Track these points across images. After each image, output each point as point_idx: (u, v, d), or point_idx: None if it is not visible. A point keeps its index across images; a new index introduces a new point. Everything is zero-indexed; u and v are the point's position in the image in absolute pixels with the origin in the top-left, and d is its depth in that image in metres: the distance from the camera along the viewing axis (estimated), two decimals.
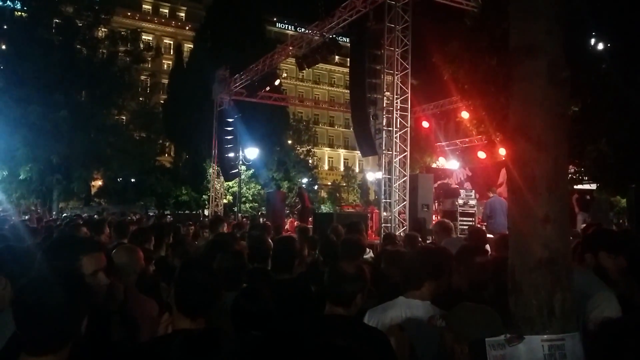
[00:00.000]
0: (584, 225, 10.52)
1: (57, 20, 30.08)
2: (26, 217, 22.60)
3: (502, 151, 15.67)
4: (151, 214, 31.18)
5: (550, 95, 2.26)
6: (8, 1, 29.43)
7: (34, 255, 2.88)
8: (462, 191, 15.12)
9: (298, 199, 20.80)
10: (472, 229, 8.37)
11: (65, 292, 1.65)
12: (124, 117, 34.33)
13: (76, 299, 1.69)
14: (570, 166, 11.17)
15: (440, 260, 3.12)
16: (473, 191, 15.14)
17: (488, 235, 7.21)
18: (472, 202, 14.53)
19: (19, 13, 30.02)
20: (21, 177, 28.80)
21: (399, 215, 12.66)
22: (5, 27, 29.53)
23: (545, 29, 2.29)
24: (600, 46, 9.69)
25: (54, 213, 27.95)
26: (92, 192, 38.62)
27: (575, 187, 12.91)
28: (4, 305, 2.26)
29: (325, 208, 45.07)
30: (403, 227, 12.53)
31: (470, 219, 14.15)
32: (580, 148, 10.01)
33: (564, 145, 2.34)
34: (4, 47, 29.98)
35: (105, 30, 32.43)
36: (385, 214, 12.75)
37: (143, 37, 36.02)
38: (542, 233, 2.24)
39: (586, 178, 12.84)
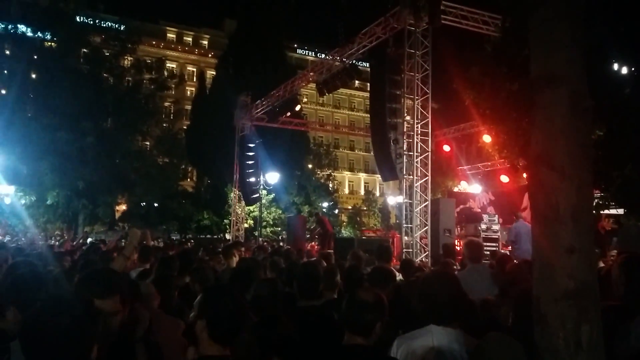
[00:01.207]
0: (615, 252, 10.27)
1: (85, 50, 30.88)
2: (52, 241, 22.96)
3: (526, 175, 15.50)
4: (174, 237, 31.43)
5: (572, 124, 2.25)
6: (39, 32, 30.27)
7: (46, 282, 2.93)
8: (484, 216, 14.97)
9: (317, 224, 20.75)
10: (499, 255, 8.21)
11: (71, 321, 1.64)
12: (147, 143, 34.86)
13: (82, 328, 1.68)
14: (596, 191, 10.98)
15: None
16: (496, 216, 14.97)
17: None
18: (496, 227, 14.37)
19: (49, 43, 30.90)
20: (48, 202, 29.32)
21: (420, 240, 12.55)
22: (35, 57, 30.41)
23: (567, 57, 2.28)
24: (624, 70, 9.59)
25: (80, 239, 28.30)
26: (117, 217, 39.07)
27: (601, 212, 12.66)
28: (14, 334, 2.30)
29: (345, 232, 44.88)
30: (425, 252, 12.41)
31: (494, 244, 13.98)
32: (606, 173, 9.84)
33: (588, 174, 2.31)
34: (34, 76, 30.83)
35: (131, 59, 33.15)
36: (406, 238, 12.65)
37: (167, 65, 36.81)
38: (567, 263, 2.21)
39: (612, 203, 12.59)
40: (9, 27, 30.47)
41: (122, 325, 2.44)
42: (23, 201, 30.70)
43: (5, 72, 31.46)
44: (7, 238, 27.05)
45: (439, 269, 5.35)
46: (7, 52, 35.73)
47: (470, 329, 2.84)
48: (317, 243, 21.07)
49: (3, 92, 31.93)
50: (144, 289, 3.25)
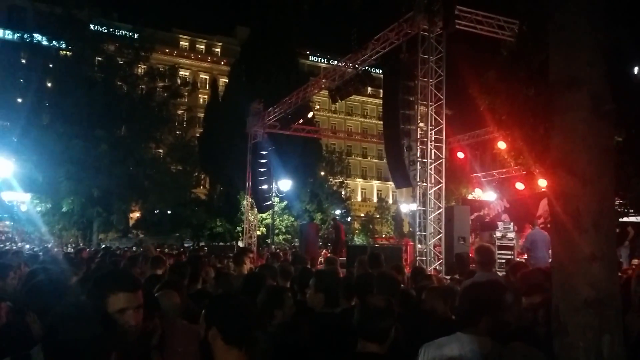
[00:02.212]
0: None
1: (100, 58, 31.26)
2: (68, 248, 23.13)
3: (542, 182, 15.32)
4: (187, 245, 31.56)
5: (594, 128, 2.20)
6: (54, 41, 30.68)
7: (63, 289, 2.93)
8: (499, 223, 14.81)
9: (333, 230, 20.72)
10: (512, 263, 8.08)
11: (93, 327, 1.65)
12: (161, 151, 35.11)
13: (104, 335, 1.68)
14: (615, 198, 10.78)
15: (498, 295, 3.03)
16: (511, 223, 14.80)
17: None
18: (511, 235, 14.19)
19: (64, 52, 31.31)
20: (63, 210, 29.60)
21: (434, 248, 12.44)
22: (50, 65, 30.82)
23: (587, 60, 2.23)
24: None
25: (97, 245, 28.55)
26: (130, 224, 39.35)
27: (619, 220, 12.47)
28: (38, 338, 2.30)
29: (358, 240, 44.74)
30: (439, 260, 12.30)
31: (509, 252, 13.81)
32: (625, 180, 9.68)
33: (610, 180, 2.25)
34: (49, 84, 31.24)
35: (145, 66, 33.47)
36: (420, 246, 12.54)
37: (180, 72, 37.12)
38: (588, 272, 2.15)
39: (632, 211, 12.38)
40: (25, 36, 30.93)
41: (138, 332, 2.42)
42: (39, 208, 31.06)
43: (22, 80, 31.91)
44: (25, 245, 27.36)
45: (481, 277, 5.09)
46: (23, 61, 36.29)
47: (498, 336, 2.79)
48: (329, 250, 21.05)
49: (19, 100, 32.39)
50: (167, 301, 3.26)
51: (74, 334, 1.61)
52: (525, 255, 11.78)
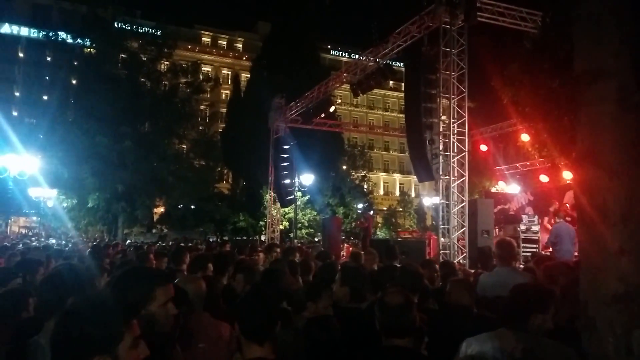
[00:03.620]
0: None
1: (123, 56, 31.62)
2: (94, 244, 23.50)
3: (567, 175, 15.09)
4: (211, 239, 31.87)
5: (620, 120, 2.16)
6: (78, 39, 31.09)
7: (82, 283, 2.98)
8: (524, 216, 14.64)
9: (366, 223, 20.74)
10: (538, 256, 7.99)
11: (106, 316, 1.65)
12: (184, 146, 35.39)
13: (117, 321, 1.68)
14: None
15: (547, 295, 3.02)
16: (536, 216, 14.61)
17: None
18: (535, 228, 14.02)
19: (88, 50, 31.74)
20: (89, 205, 30.09)
21: (457, 242, 12.36)
22: (75, 63, 31.29)
23: (613, 52, 2.19)
24: None
25: (123, 240, 29.02)
26: (154, 219, 39.83)
27: None
28: None
29: (380, 234, 44.63)
30: (462, 253, 12.22)
31: (534, 245, 13.65)
32: None
33: (638, 172, 2.22)
34: (74, 82, 31.71)
35: (167, 63, 33.73)
36: (443, 240, 12.48)
37: (202, 68, 37.31)
38: (616, 266, 2.12)
39: None
40: (50, 34, 31.43)
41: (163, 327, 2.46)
42: (65, 204, 31.63)
43: (47, 78, 32.46)
44: (51, 240, 27.95)
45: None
46: (49, 59, 36.92)
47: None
48: (351, 244, 21.07)
49: (45, 98, 32.99)
50: (195, 288, 3.31)
51: (85, 328, 1.60)
52: (551, 249, 11.61)
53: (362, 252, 7.47)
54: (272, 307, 2.51)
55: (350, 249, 17.76)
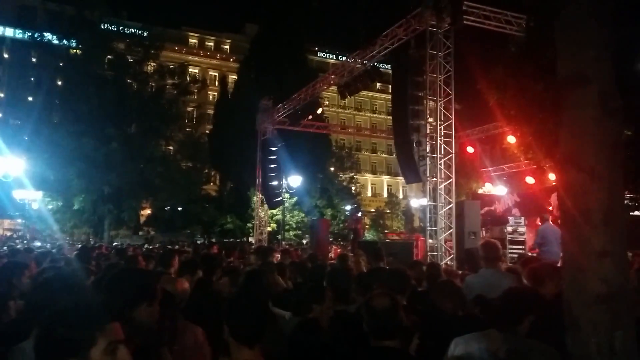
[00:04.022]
0: None
1: (110, 57, 31.42)
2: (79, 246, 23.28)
3: (552, 176, 15.25)
4: (198, 242, 31.75)
5: (602, 124, 2.20)
6: (64, 40, 30.84)
7: (71, 287, 2.96)
8: (510, 218, 14.75)
9: (355, 225, 20.79)
10: (524, 258, 8.04)
11: (76, 319, 1.64)
12: (171, 148, 35.26)
13: (87, 324, 1.65)
14: (625, 192, 10.74)
15: (539, 298, 3.06)
16: (522, 218, 14.73)
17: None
18: (522, 229, 14.14)
19: (74, 51, 31.49)
20: (75, 207, 29.85)
21: (445, 244, 12.43)
22: (61, 64, 31.02)
23: (595, 57, 2.24)
24: None
25: (109, 242, 28.80)
26: (141, 221, 39.58)
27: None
28: None
29: (368, 235, 44.71)
30: (450, 255, 12.29)
31: (520, 246, 13.77)
32: (635, 174, 9.63)
33: (619, 175, 2.26)
34: (60, 83, 31.44)
35: (154, 64, 33.58)
36: (431, 241, 12.55)
37: (189, 70, 37.20)
38: (599, 267, 2.16)
39: None
40: (36, 35, 31.14)
41: (149, 329, 2.46)
42: (50, 206, 31.32)
43: (32, 79, 32.10)
44: (36, 243, 27.63)
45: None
46: (34, 60, 36.51)
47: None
48: (339, 246, 21.09)
49: (30, 99, 32.61)
50: (178, 290, 3.31)
51: (55, 331, 1.59)
52: (537, 250, 11.72)
53: (351, 254, 7.50)
54: (263, 310, 2.53)
55: (338, 250, 17.77)
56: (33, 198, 31.27)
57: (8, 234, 46.87)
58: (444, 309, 3.83)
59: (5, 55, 59.36)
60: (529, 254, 12.36)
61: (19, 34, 50.82)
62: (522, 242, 14.01)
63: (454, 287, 4.25)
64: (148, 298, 2.36)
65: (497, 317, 3.00)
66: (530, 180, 19.80)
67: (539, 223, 11.90)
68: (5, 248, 15.71)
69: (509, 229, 14.18)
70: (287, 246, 22.40)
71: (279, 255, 8.93)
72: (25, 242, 29.59)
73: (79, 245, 21.93)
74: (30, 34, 31.59)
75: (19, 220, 42.15)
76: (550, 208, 13.41)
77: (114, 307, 1.84)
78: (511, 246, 13.61)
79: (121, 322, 1.72)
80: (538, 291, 3.28)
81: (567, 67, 2.33)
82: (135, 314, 2.21)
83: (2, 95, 58.81)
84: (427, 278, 5.80)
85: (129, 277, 2.51)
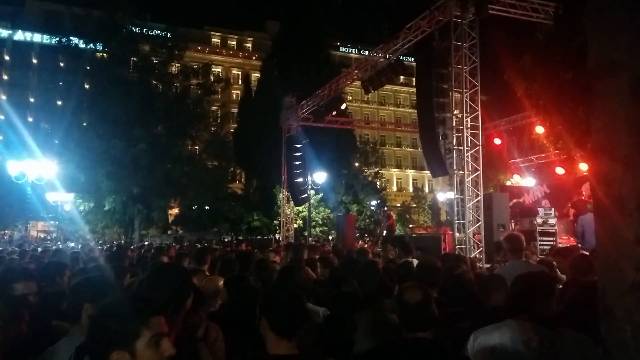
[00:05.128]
0: None
1: (135, 59, 31.85)
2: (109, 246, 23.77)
3: (583, 166, 14.97)
4: (226, 239, 32.06)
5: (635, 111, 2.18)
6: (91, 44, 31.38)
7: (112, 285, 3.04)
8: (540, 209, 14.51)
9: (389, 221, 20.83)
10: (556, 249, 7.95)
11: (119, 312, 1.72)
12: (197, 147, 35.59)
13: (130, 317, 1.73)
14: None
15: (550, 283, 3.06)
16: (552, 209, 14.48)
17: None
18: (552, 221, 13.87)
19: (100, 54, 32.03)
20: (106, 208, 30.40)
21: (473, 237, 12.33)
22: (88, 67, 31.60)
23: (626, 44, 2.21)
24: None
25: (139, 241, 29.32)
26: (170, 220, 40.10)
27: None
28: None
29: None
30: (478, 248, 12.19)
31: (551, 238, 13.52)
32: None
33: None
34: (87, 86, 32.04)
35: (178, 65, 33.93)
36: (459, 235, 12.45)
37: (213, 69, 37.46)
38: (633, 255, 2.15)
39: None
40: (63, 40, 31.76)
41: (186, 324, 2.54)
42: (82, 208, 31.98)
43: (61, 83, 32.73)
44: (70, 244, 28.29)
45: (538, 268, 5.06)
46: (62, 64, 37.24)
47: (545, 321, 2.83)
48: (366, 241, 21.08)
49: (59, 103, 33.29)
50: (210, 286, 3.38)
51: (101, 324, 1.69)
52: (579, 240, 11.46)
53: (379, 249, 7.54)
54: (301, 304, 2.58)
55: (365, 246, 17.77)
56: (65, 200, 31.98)
57: (42, 235, 48.13)
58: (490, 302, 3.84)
59: (34, 61, 60.80)
60: (560, 245, 12.19)
61: (46, 39, 51.94)
62: (553, 234, 13.76)
63: (469, 276, 4.25)
64: (190, 293, 2.43)
65: (508, 305, 3.00)
66: (560, 170, 19.45)
67: (570, 214, 11.69)
68: (40, 249, 16.08)
69: (539, 220, 13.93)
70: (313, 242, 22.49)
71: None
72: (58, 243, 30.31)
73: (107, 246, 22.40)
74: (57, 39, 32.19)
75: (52, 222, 43.16)
76: (583, 198, 13.16)
77: (158, 302, 1.90)
78: (541, 238, 13.38)
79: (165, 315, 1.79)
80: (550, 275, 3.27)
81: (597, 54, 2.31)
82: (178, 309, 2.27)
83: (32, 100, 60.27)
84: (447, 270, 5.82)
85: (173, 272, 2.59)
